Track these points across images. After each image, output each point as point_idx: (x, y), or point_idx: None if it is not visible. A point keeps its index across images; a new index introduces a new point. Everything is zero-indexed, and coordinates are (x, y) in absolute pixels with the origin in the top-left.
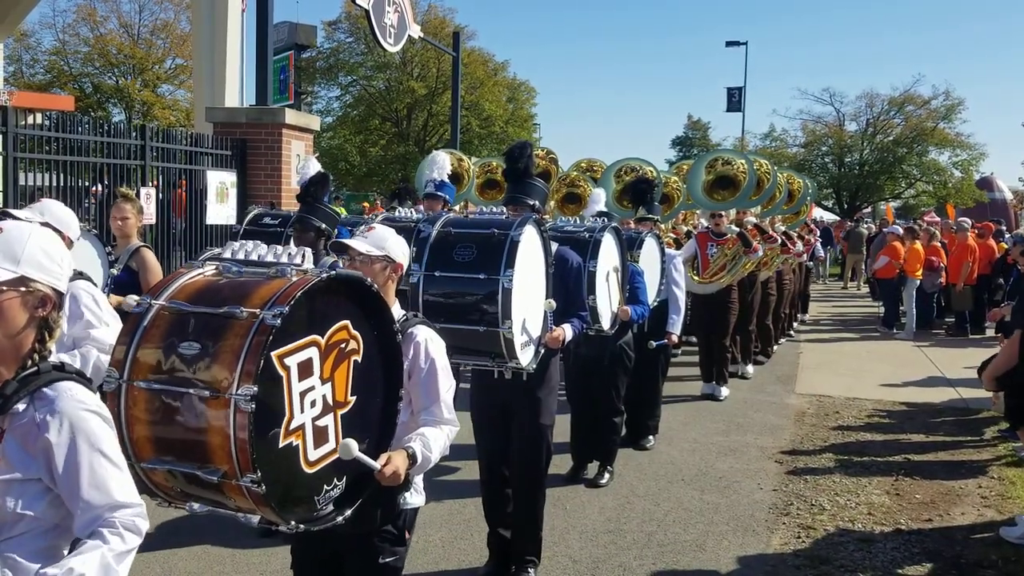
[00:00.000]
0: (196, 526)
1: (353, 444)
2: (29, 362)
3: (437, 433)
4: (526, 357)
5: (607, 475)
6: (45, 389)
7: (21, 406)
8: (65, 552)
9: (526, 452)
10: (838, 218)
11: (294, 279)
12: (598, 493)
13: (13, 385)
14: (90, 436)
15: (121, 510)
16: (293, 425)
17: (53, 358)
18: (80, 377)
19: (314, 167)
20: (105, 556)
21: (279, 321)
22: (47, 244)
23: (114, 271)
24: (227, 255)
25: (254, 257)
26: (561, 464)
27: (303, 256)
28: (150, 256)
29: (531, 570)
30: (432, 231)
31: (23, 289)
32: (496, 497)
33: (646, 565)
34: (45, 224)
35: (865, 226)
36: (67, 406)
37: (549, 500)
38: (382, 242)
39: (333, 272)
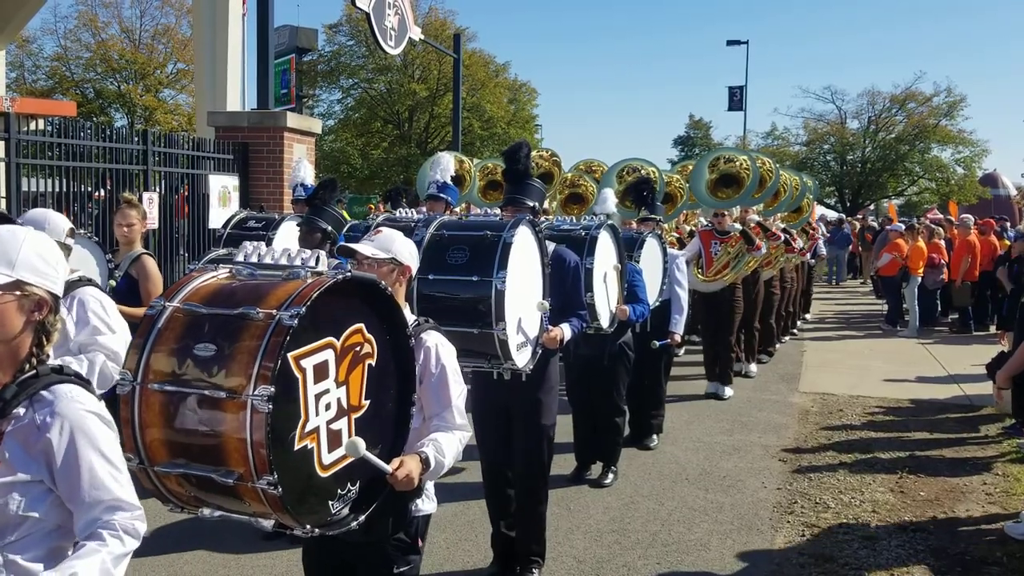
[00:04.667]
0: (200, 529)
1: (360, 442)
2: (27, 366)
3: (450, 438)
4: (522, 358)
5: (611, 475)
6: (44, 392)
7: (21, 409)
8: (70, 553)
9: (528, 453)
10: (842, 215)
11: (309, 280)
12: (602, 493)
13: (12, 389)
14: (90, 437)
15: (120, 512)
16: (308, 428)
17: (54, 361)
18: (79, 379)
19: (305, 169)
20: (104, 560)
21: (296, 322)
22: (41, 248)
23: (112, 282)
24: (240, 258)
25: (267, 260)
26: (565, 464)
27: (317, 258)
28: (151, 264)
29: (535, 571)
30: (425, 234)
31: (18, 293)
32: (499, 498)
33: (651, 565)
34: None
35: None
36: (67, 408)
37: (553, 500)
38: (389, 244)
39: (349, 274)
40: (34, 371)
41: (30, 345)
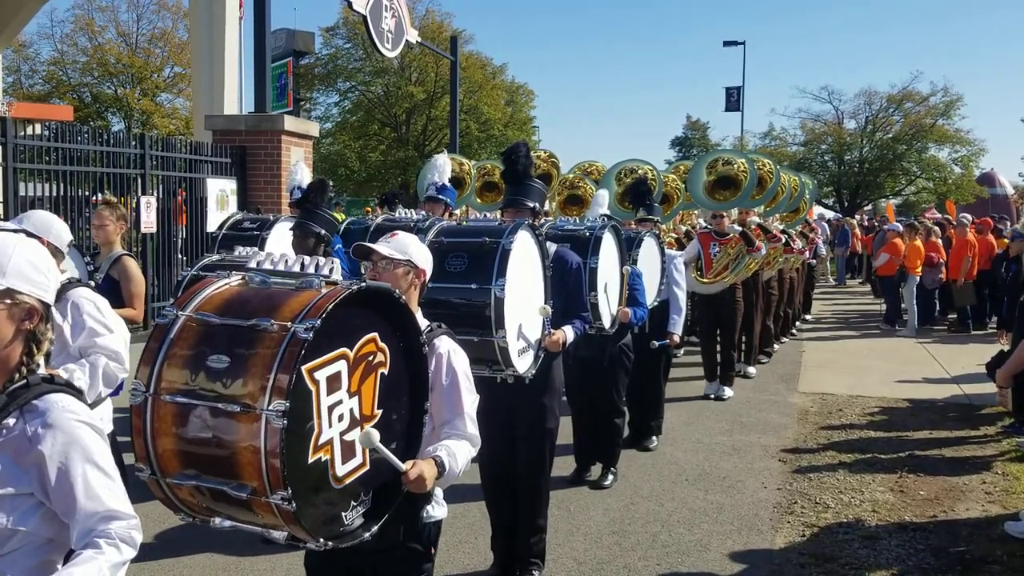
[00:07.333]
0: (201, 534)
1: (375, 433)
2: (17, 375)
3: (461, 446)
4: (524, 364)
5: (611, 476)
6: (35, 402)
7: (11, 420)
8: (59, 567)
9: (530, 455)
10: (840, 215)
11: (324, 291)
12: (602, 495)
13: (2, 399)
14: (83, 448)
15: (116, 521)
16: (322, 440)
17: (44, 371)
18: (70, 388)
19: (302, 172)
20: (102, 568)
21: (311, 335)
22: (33, 255)
23: (92, 283)
24: (252, 265)
25: (280, 267)
26: (564, 466)
27: (331, 267)
28: (132, 264)
29: (536, 573)
30: (424, 241)
31: (8, 301)
32: (500, 500)
33: (651, 566)
34: (23, 231)
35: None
36: (58, 418)
37: (553, 502)
38: (405, 247)
39: (363, 284)
40: (24, 380)
41: (20, 354)
